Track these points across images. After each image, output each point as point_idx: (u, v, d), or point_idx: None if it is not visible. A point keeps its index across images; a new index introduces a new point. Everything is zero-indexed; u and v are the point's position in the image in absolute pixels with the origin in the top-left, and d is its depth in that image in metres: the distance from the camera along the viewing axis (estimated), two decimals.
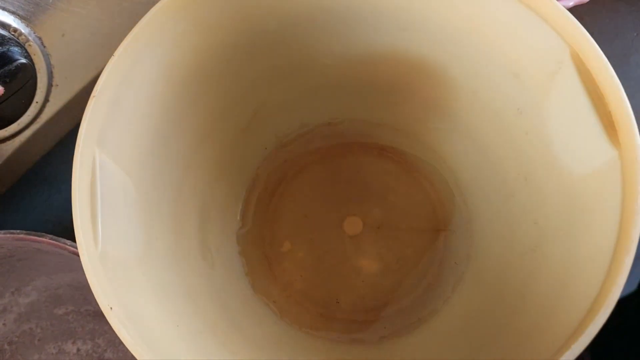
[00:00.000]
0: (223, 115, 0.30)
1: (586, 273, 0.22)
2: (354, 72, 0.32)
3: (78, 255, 0.21)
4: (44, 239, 0.27)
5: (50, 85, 0.32)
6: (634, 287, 0.35)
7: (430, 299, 0.30)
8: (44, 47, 0.31)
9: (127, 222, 0.24)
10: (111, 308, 0.20)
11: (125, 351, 0.33)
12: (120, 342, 0.25)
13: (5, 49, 0.30)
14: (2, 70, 0.29)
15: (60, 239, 0.27)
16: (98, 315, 0.33)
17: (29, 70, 0.30)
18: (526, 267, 0.27)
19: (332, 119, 0.34)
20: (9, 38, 0.30)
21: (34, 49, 0.31)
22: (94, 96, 0.23)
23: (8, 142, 0.32)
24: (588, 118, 0.23)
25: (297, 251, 0.32)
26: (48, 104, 0.32)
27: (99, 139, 0.23)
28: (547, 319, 0.23)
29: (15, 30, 0.30)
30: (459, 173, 0.32)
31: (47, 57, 0.31)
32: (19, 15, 0.30)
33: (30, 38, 0.30)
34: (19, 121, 0.31)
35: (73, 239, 0.22)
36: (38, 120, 0.32)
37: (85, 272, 0.20)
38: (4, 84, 0.29)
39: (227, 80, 0.30)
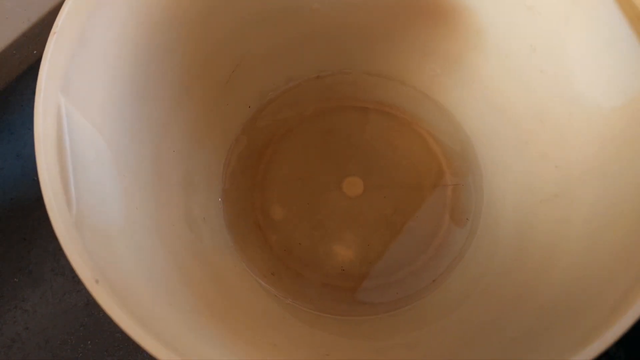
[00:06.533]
0: (202, 66, 0.27)
1: (637, 217, 0.19)
2: (345, 17, 0.29)
3: None
4: None
5: None
6: None
7: (443, 259, 0.28)
8: None
9: (103, 185, 0.21)
10: (97, 281, 0.16)
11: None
12: None
13: None
14: None
15: None
16: None
17: None
18: (550, 216, 0.25)
19: (322, 72, 0.31)
20: None
21: None
22: (54, 32, 0.19)
23: None
24: (623, 41, 0.20)
25: (293, 217, 0.29)
26: None
27: (64, 84, 0.19)
28: (585, 278, 0.20)
29: None
30: (465, 122, 0.30)
31: None
32: None
33: None
34: None
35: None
36: None
37: (61, 241, 0.17)
38: None
39: (206, 27, 0.26)
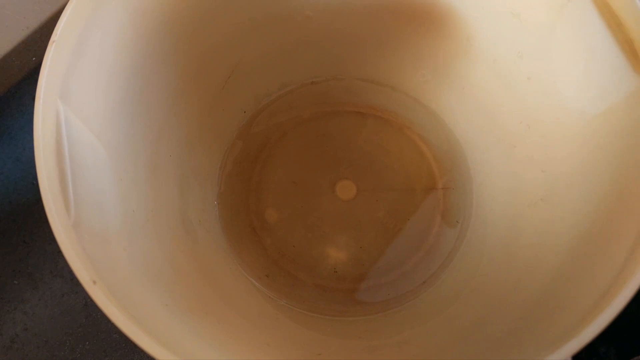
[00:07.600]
0: (198, 72, 0.27)
1: (617, 220, 0.20)
2: (337, 24, 0.29)
3: None
4: None
5: None
6: None
7: (433, 261, 0.29)
8: None
9: (101, 189, 0.21)
10: (94, 282, 0.17)
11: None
12: None
13: None
14: None
15: None
16: None
17: None
18: (537, 219, 0.25)
19: (315, 78, 0.32)
20: None
21: None
22: (53, 41, 0.20)
23: None
24: (605, 49, 0.21)
25: (287, 220, 0.30)
26: None
27: (62, 91, 0.20)
28: (567, 278, 0.21)
29: None
30: (454, 127, 0.30)
31: None
32: None
33: None
34: None
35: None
36: None
37: (59, 243, 0.17)
38: None
39: (201, 34, 0.27)
